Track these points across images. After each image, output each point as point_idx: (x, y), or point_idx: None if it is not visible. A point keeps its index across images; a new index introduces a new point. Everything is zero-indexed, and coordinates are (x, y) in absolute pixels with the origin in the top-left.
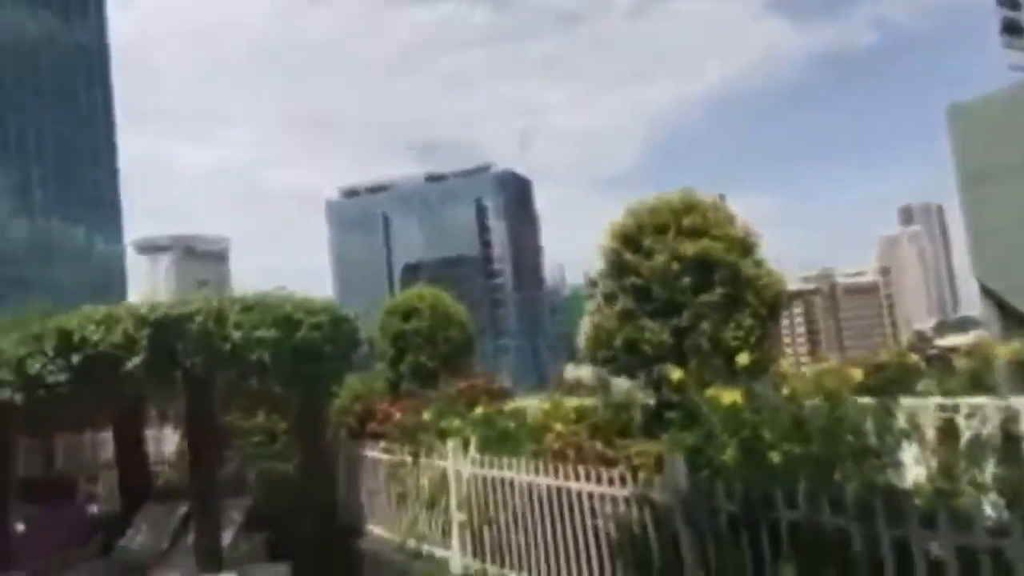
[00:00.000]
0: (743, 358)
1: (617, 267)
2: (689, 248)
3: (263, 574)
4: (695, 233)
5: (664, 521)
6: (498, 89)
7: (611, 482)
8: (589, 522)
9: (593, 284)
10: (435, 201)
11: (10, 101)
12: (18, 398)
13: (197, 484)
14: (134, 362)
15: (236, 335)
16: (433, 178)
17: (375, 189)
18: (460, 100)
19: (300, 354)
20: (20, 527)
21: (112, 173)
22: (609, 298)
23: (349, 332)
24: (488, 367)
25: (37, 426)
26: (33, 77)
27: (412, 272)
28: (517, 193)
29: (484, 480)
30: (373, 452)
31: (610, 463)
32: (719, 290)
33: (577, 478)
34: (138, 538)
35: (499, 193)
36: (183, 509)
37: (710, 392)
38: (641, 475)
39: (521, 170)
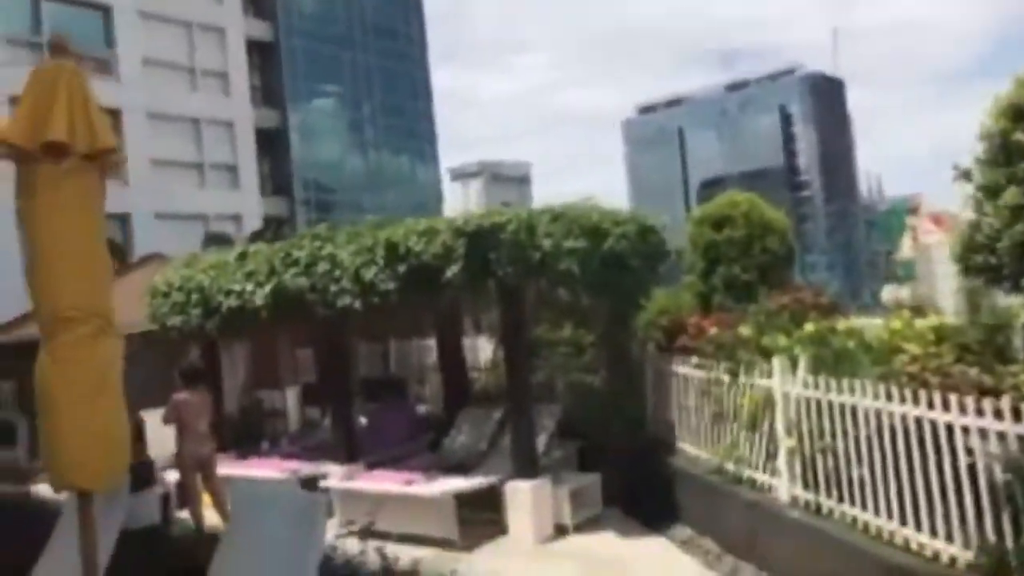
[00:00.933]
0: None
1: (1004, 151)
2: None
3: (575, 483)
4: None
5: None
6: None
7: (998, 415)
8: (963, 461)
9: (965, 175)
10: (735, 111)
11: (344, 41)
12: (357, 304)
13: (512, 391)
14: (452, 271)
15: (546, 244)
16: (733, 87)
17: (672, 103)
18: (762, 1)
19: (608, 264)
20: (362, 421)
21: (428, 105)
22: (991, 191)
23: (656, 243)
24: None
25: (373, 331)
26: (360, 16)
27: (710, 188)
28: (826, 97)
29: (818, 404)
30: (683, 368)
31: (988, 393)
32: None
33: (947, 408)
34: (460, 438)
35: (806, 98)
36: (499, 414)
37: None
38: None
39: (830, 71)
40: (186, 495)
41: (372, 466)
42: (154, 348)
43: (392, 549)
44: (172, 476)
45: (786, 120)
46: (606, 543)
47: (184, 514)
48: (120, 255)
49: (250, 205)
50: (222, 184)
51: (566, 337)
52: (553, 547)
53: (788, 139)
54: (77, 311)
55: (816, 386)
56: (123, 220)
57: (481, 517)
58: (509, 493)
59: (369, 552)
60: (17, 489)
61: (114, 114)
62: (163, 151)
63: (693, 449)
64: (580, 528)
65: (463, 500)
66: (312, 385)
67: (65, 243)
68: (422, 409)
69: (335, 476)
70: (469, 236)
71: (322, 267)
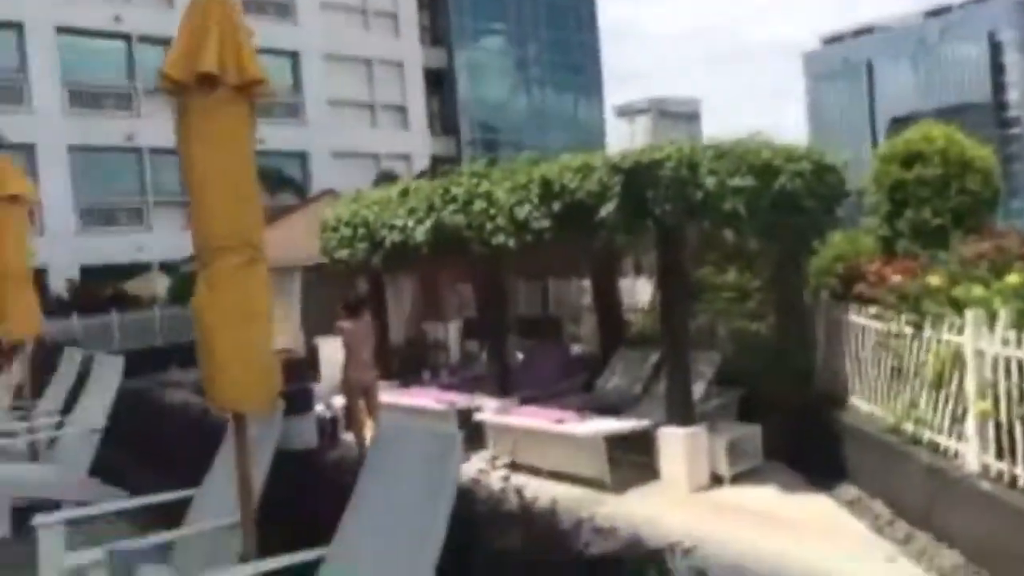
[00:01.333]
0: None
1: None
2: None
3: (734, 433)
4: None
5: None
6: None
7: None
8: None
9: None
10: (933, 40)
11: None
12: (511, 243)
13: (669, 335)
14: (607, 209)
15: (709, 182)
16: (933, 12)
17: (861, 32)
18: None
19: (778, 205)
20: (518, 357)
21: (594, 40)
22: None
23: (834, 183)
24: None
25: (531, 270)
26: None
27: (902, 125)
28: None
29: (1020, 364)
30: (860, 318)
31: None
32: None
33: None
34: (613, 380)
35: (1019, 23)
36: (654, 357)
37: None
38: None
39: None
40: (350, 418)
41: (525, 402)
42: (327, 280)
43: (541, 485)
44: (339, 400)
45: (995, 48)
46: (764, 497)
47: (348, 436)
48: (299, 191)
49: (418, 145)
50: (393, 124)
51: (730, 281)
52: (708, 496)
53: (996, 70)
54: (229, 241)
55: (1019, 344)
56: (302, 158)
57: (632, 460)
58: (662, 438)
59: (511, 489)
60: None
61: (293, 56)
62: (338, 91)
63: (866, 405)
64: (737, 480)
65: (614, 442)
66: (473, 320)
67: (216, 173)
68: (577, 349)
69: (489, 409)
70: (626, 173)
71: (478, 205)
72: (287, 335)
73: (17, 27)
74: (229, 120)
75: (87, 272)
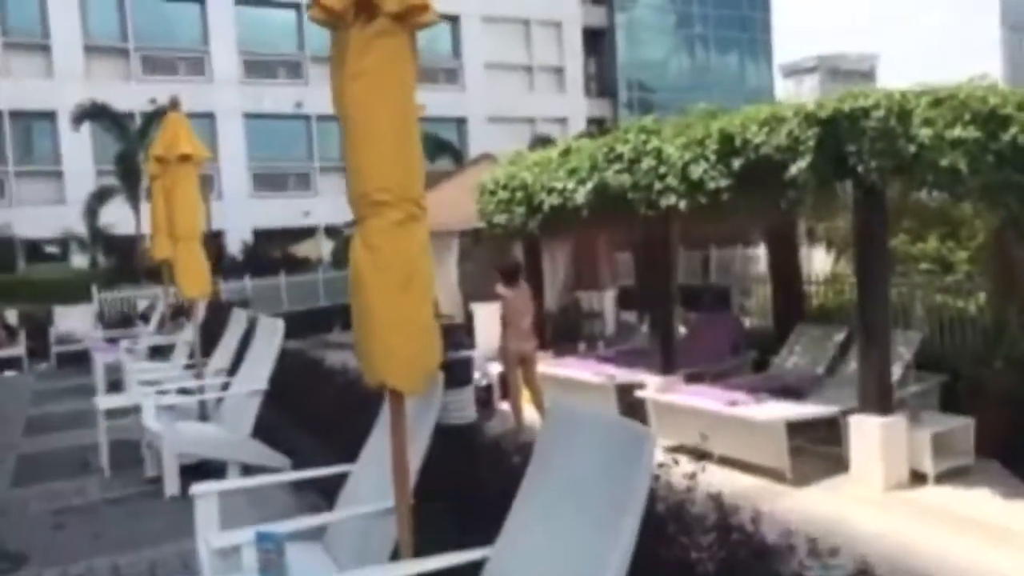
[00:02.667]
0: None
1: None
2: None
3: (940, 425)
4: None
5: None
6: None
7: None
8: None
9: None
10: None
11: None
12: (682, 205)
13: (864, 311)
14: (798, 166)
15: (923, 134)
16: None
17: None
18: None
19: (1006, 160)
20: (681, 330)
21: None
22: None
23: None
24: None
25: (693, 237)
26: None
27: None
28: None
29: None
30: None
31: None
32: None
33: None
34: (791, 359)
35: None
36: (840, 335)
37: None
38: None
39: None
40: (507, 389)
41: (691, 379)
42: (485, 245)
43: (712, 472)
44: (495, 368)
45: None
46: (977, 501)
47: (505, 406)
48: (456, 156)
49: (575, 107)
50: (549, 87)
51: (929, 251)
52: (906, 496)
53: None
54: (387, 194)
55: None
56: (460, 123)
57: (816, 450)
58: (853, 427)
59: (697, 487)
60: None
61: (452, 20)
62: (496, 55)
63: None
64: (943, 479)
65: (796, 428)
66: (628, 289)
67: (373, 116)
68: (746, 322)
69: (651, 386)
70: (823, 124)
71: (646, 163)
72: (446, 301)
73: (200, 1)
74: (386, 55)
75: (259, 235)
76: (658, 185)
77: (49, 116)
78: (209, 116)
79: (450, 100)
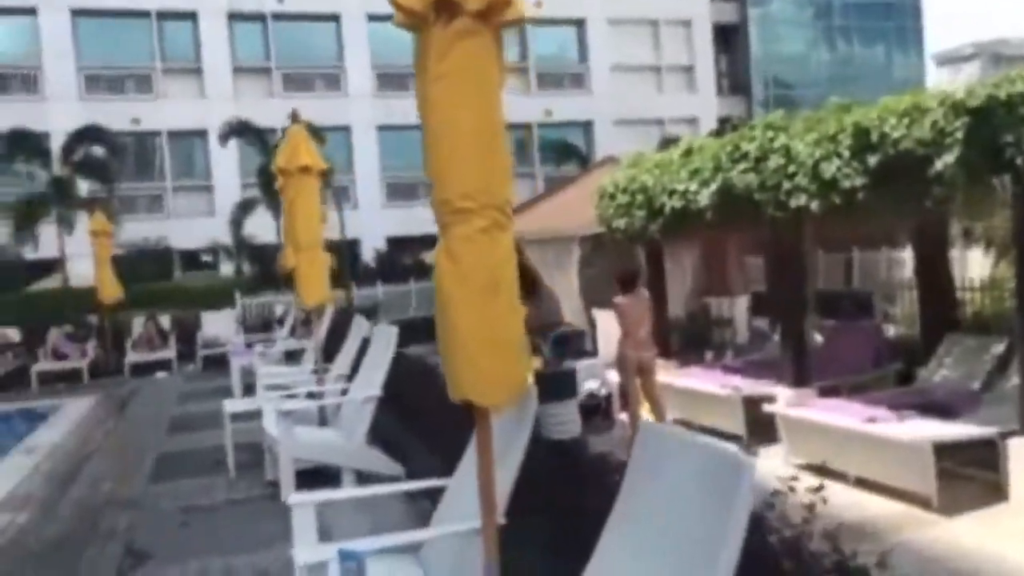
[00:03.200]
0: None
1: None
2: None
3: None
4: None
5: None
6: None
7: None
8: None
9: None
10: None
11: None
12: (813, 205)
13: None
14: (944, 161)
15: None
16: None
17: None
18: None
19: None
20: (817, 339)
21: None
22: None
23: None
24: None
25: (832, 239)
26: None
27: None
28: None
29: None
30: None
31: None
32: None
33: None
34: (941, 372)
35: None
36: (999, 347)
37: None
38: None
39: None
40: (625, 398)
41: (825, 393)
42: (607, 250)
43: (848, 495)
44: (615, 377)
45: None
46: None
47: (624, 416)
48: (583, 161)
49: (706, 106)
50: (678, 87)
51: None
52: None
53: None
54: (471, 201)
55: None
56: (586, 127)
57: (969, 475)
58: (1013, 451)
59: (817, 517)
60: None
61: (579, 24)
62: (623, 56)
63: None
64: None
65: (945, 450)
66: (762, 295)
67: (454, 119)
68: (889, 331)
69: (782, 400)
70: (973, 113)
71: (774, 161)
72: (568, 308)
73: (335, 18)
74: (468, 55)
75: (392, 243)
76: (787, 185)
77: (201, 134)
78: (345, 129)
79: (576, 104)
